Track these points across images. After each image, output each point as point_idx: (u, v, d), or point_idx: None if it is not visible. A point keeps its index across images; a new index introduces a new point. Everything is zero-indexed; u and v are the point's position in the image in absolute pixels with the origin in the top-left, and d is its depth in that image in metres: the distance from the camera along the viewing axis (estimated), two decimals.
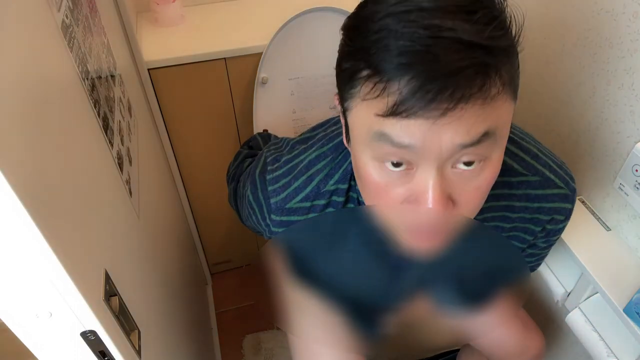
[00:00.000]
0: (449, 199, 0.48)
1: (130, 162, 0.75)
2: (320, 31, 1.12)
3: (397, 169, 0.48)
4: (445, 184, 0.47)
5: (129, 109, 0.85)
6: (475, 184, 0.49)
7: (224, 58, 1.13)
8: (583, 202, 0.91)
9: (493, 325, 0.87)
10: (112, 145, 0.65)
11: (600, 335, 0.85)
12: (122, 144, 0.72)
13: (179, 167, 1.29)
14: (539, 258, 0.79)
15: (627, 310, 0.75)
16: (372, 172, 0.50)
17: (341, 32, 0.52)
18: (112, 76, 0.76)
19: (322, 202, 0.65)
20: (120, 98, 0.78)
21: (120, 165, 0.68)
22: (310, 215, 0.66)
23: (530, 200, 0.65)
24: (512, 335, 0.88)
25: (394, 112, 0.44)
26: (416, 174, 0.48)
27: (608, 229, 0.87)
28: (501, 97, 0.45)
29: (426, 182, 0.47)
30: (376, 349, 0.92)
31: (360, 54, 0.46)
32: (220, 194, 1.40)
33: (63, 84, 0.51)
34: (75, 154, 0.51)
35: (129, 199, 0.71)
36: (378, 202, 0.52)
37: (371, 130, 0.47)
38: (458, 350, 1.19)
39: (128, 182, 0.71)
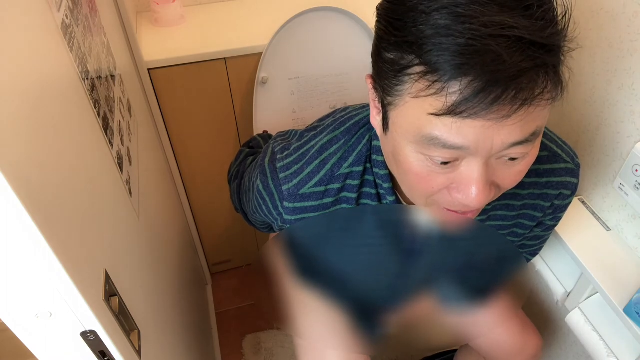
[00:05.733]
0: (491, 185, 0.49)
1: (130, 162, 0.75)
2: (320, 31, 1.12)
3: (443, 166, 0.48)
4: (489, 173, 0.48)
5: (129, 109, 0.85)
6: (517, 169, 0.50)
7: (224, 58, 1.13)
8: (583, 202, 0.91)
9: (492, 326, 0.88)
10: (112, 145, 0.65)
11: (600, 335, 0.85)
12: (122, 144, 0.72)
13: (179, 167, 1.29)
14: (542, 241, 0.79)
15: (627, 310, 0.75)
16: (415, 163, 0.49)
17: (377, 13, 0.50)
18: (112, 76, 0.76)
19: (337, 185, 0.64)
20: (120, 98, 0.78)
21: (120, 165, 0.68)
22: (325, 200, 0.65)
23: (539, 176, 0.65)
24: (510, 336, 0.88)
25: (452, 112, 0.43)
26: (461, 166, 0.48)
27: (608, 229, 0.87)
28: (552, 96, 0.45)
29: (471, 174, 0.47)
30: (377, 349, 0.92)
31: (411, 48, 0.44)
32: (221, 194, 1.40)
33: (63, 84, 0.51)
34: (75, 154, 0.51)
35: (129, 199, 0.71)
36: (416, 187, 0.52)
37: (421, 132, 0.46)
38: (456, 350, 1.19)
39: (128, 182, 0.71)
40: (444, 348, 1.30)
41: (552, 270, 0.96)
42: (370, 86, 0.54)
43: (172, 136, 1.22)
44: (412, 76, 0.45)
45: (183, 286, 1.08)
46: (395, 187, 0.64)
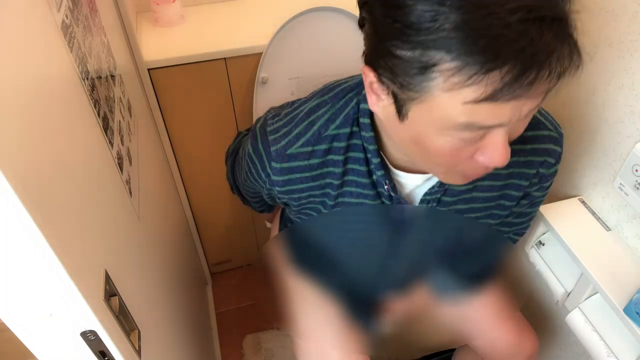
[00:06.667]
0: None
1: (130, 162, 0.75)
2: (320, 31, 1.12)
3: (472, 141, 0.50)
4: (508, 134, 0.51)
5: (129, 109, 0.85)
6: (525, 121, 0.53)
7: (224, 58, 1.13)
8: (583, 202, 0.91)
9: (489, 325, 0.88)
10: (112, 145, 0.65)
11: (600, 335, 0.85)
12: (122, 144, 0.72)
13: (178, 167, 1.29)
14: (529, 219, 0.81)
15: (627, 310, 0.75)
16: (445, 146, 0.51)
17: (367, 4, 0.51)
18: (112, 76, 0.76)
19: (323, 146, 0.65)
20: (120, 98, 0.78)
21: (120, 165, 0.68)
22: (312, 161, 0.66)
23: (523, 142, 0.67)
24: (506, 337, 0.89)
25: (492, 98, 0.44)
26: (488, 135, 0.50)
27: (608, 229, 0.87)
28: None
29: (499, 140, 0.50)
30: (375, 347, 0.93)
31: (436, 45, 0.44)
32: (221, 194, 1.40)
33: (63, 84, 0.51)
34: (75, 154, 0.51)
35: (129, 199, 0.71)
36: (444, 163, 0.55)
37: (456, 121, 0.47)
38: (454, 350, 1.19)
39: (128, 182, 0.71)
40: (442, 347, 1.30)
41: (552, 270, 0.96)
42: (375, 79, 0.52)
43: (172, 136, 1.22)
44: (444, 72, 0.45)
45: (183, 286, 1.08)
46: (380, 149, 0.65)
